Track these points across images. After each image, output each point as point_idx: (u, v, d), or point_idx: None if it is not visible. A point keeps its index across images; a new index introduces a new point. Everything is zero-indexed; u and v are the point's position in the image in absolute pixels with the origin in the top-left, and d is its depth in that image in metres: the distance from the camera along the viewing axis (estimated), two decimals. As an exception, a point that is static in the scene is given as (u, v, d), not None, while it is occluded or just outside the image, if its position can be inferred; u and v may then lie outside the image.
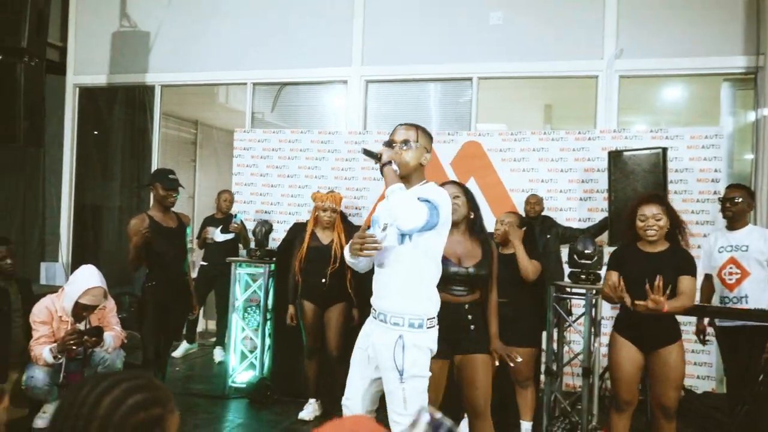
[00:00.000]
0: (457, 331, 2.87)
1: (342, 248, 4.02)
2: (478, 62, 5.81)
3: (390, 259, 2.47)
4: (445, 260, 2.63)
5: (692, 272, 3.05)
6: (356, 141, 5.84)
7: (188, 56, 6.68)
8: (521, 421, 3.82)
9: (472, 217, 3.02)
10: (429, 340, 2.46)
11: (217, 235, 5.73)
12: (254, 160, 6.10)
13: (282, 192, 5.99)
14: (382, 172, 2.43)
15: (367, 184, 5.78)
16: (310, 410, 4.25)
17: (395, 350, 2.40)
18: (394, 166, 2.41)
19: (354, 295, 4.17)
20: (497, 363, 2.98)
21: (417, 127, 2.55)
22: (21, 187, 6.85)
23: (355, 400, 2.61)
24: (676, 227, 3.08)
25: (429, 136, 2.59)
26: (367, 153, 2.51)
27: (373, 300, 2.58)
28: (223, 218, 5.86)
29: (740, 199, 3.76)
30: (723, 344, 3.87)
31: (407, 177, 2.48)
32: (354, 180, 5.81)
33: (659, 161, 4.47)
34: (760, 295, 3.71)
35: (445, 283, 2.67)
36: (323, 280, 4.09)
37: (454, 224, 2.76)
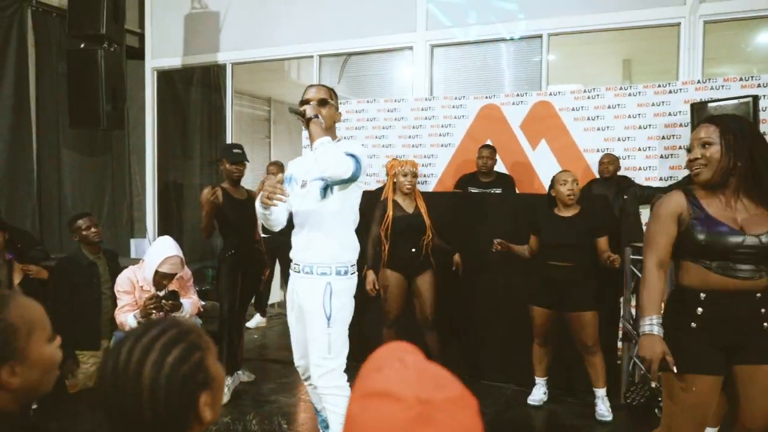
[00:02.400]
0: (745, 333, 2.05)
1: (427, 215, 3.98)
2: (548, 17, 5.53)
3: (313, 213, 2.60)
4: (719, 224, 2.01)
5: None
6: (423, 108, 5.75)
7: (256, 33, 6.79)
8: (594, 389, 3.69)
9: (736, 167, 2.03)
10: (353, 286, 2.67)
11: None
12: (323, 132, 6.14)
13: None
14: (307, 128, 2.55)
15: (435, 151, 5.69)
16: None
17: (324, 297, 2.54)
18: (321, 119, 2.56)
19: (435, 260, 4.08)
20: None
21: (328, 88, 2.75)
22: (109, 169, 7.26)
23: (306, 359, 2.72)
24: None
25: (335, 93, 2.80)
26: (293, 111, 2.61)
27: (295, 254, 2.69)
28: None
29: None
30: None
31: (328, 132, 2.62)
32: (422, 147, 5.74)
33: (749, 111, 4.11)
34: None
35: (722, 260, 2.01)
36: (413, 250, 3.95)
37: (716, 186, 2.05)
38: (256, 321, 6.02)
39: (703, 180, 2.05)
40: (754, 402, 2.04)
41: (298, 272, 2.66)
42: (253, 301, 6.02)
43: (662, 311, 2.11)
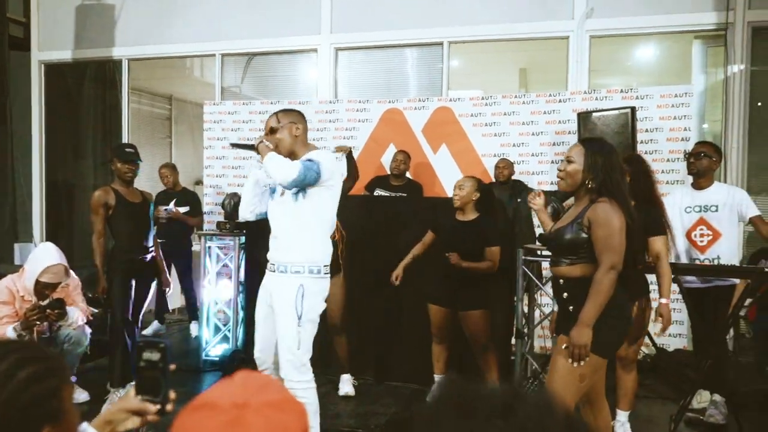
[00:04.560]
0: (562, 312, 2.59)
1: None
2: (448, 26, 5.71)
3: (287, 216, 2.82)
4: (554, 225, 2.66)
5: (659, 232, 3.12)
6: (327, 110, 5.76)
7: (155, 28, 6.53)
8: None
9: (590, 183, 2.46)
10: (325, 287, 2.87)
11: (171, 208, 5.58)
12: (225, 133, 6.01)
13: (254, 164, 5.91)
14: (258, 153, 2.80)
15: (339, 154, 5.70)
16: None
17: (296, 298, 2.75)
18: (266, 142, 2.81)
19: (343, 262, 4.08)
20: None
21: (275, 113, 2.97)
22: (-12, 167, 6.73)
23: (268, 351, 2.92)
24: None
25: (289, 111, 3.02)
26: (237, 146, 3.05)
27: (270, 254, 2.89)
28: (175, 192, 5.75)
29: (705, 155, 3.71)
30: (689, 303, 3.88)
31: (293, 153, 2.86)
32: (326, 150, 5.73)
33: (627, 121, 4.43)
34: (731, 256, 3.69)
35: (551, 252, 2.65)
36: None
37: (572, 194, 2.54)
38: (153, 328, 5.77)
39: (562, 189, 2.54)
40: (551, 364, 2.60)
41: (273, 271, 2.87)
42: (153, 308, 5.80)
43: None
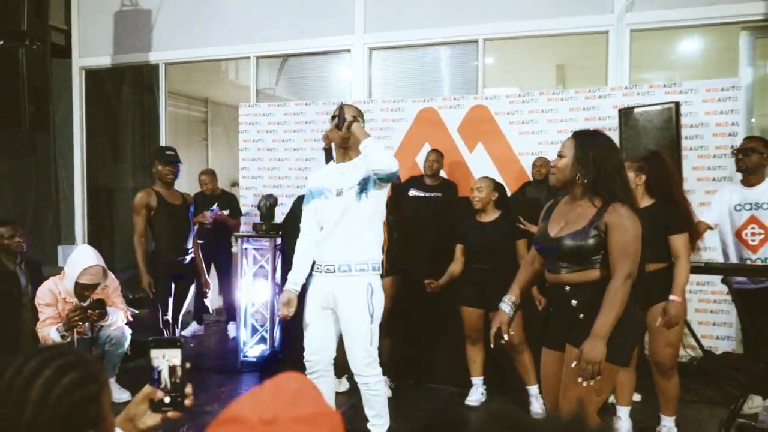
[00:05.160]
0: (566, 320, 2.37)
1: None
2: (483, 23, 5.62)
3: (349, 216, 2.80)
4: (544, 230, 2.40)
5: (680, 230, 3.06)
6: (362, 110, 5.72)
7: (190, 32, 6.61)
8: (527, 387, 3.78)
9: (580, 178, 2.31)
10: (382, 283, 2.95)
11: (215, 211, 5.65)
12: (260, 135, 6.05)
13: (289, 165, 5.94)
14: (348, 131, 2.78)
15: (373, 154, 5.69)
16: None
17: (367, 296, 2.81)
18: (360, 122, 2.82)
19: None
20: None
21: (347, 105, 2.95)
22: (32, 172, 6.91)
23: (321, 354, 2.96)
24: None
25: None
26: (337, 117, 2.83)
27: (328, 256, 2.86)
28: (216, 196, 5.81)
29: (755, 151, 3.56)
30: (739, 305, 3.74)
31: (351, 147, 2.85)
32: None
33: (672, 116, 4.28)
34: None
35: (548, 259, 2.40)
36: None
37: (567, 191, 2.39)
38: (192, 329, 5.84)
39: (553, 184, 2.46)
40: (563, 378, 2.33)
41: (332, 272, 2.85)
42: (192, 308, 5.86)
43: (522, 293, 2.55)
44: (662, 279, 3.03)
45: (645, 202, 3.09)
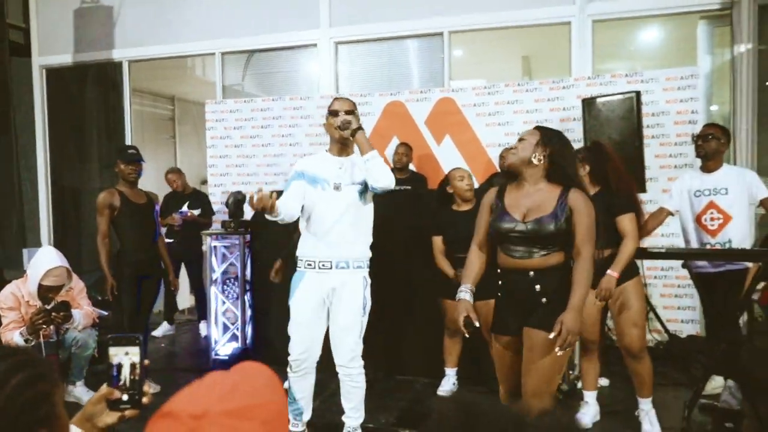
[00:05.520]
0: (526, 304, 2.43)
1: None
2: (448, 16, 5.65)
3: (350, 214, 2.85)
4: (504, 215, 2.45)
5: (628, 209, 3.14)
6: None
7: (153, 29, 6.51)
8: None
9: (543, 160, 2.43)
10: None
11: (183, 213, 5.61)
12: (227, 132, 5.99)
13: (257, 162, 5.90)
14: (353, 136, 2.80)
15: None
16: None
17: (363, 290, 2.91)
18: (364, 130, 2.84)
19: None
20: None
21: (351, 100, 2.94)
22: (-6, 174, 6.75)
23: (312, 351, 2.98)
24: None
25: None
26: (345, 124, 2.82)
27: (325, 253, 2.86)
28: (187, 195, 5.76)
29: (713, 137, 3.64)
30: (700, 289, 3.83)
31: (349, 146, 2.92)
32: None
33: (633, 106, 4.33)
34: (743, 239, 3.62)
35: (506, 243, 2.44)
36: None
37: (519, 174, 2.46)
38: (163, 329, 5.78)
39: (509, 165, 2.52)
40: (526, 361, 2.40)
41: (329, 269, 2.87)
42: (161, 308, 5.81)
43: (476, 282, 2.58)
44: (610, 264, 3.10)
45: (591, 190, 3.13)
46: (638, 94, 4.34)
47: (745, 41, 4.96)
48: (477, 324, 2.41)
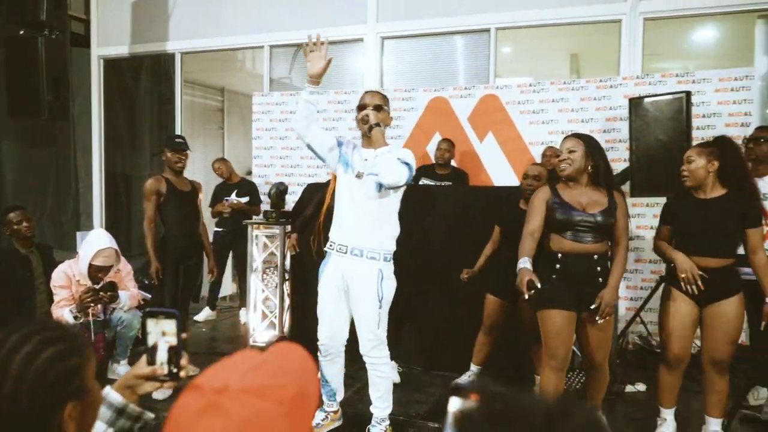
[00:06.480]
0: (585, 283, 2.84)
1: None
2: (496, 12, 5.60)
3: (368, 203, 2.90)
4: (570, 208, 2.84)
5: (758, 223, 2.88)
6: (373, 100, 5.75)
7: (206, 22, 6.68)
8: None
9: (591, 168, 2.88)
10: (393, 270, 3.02)
11: (233, 199, 5.76)
12: (273, 124, 6.11)
13: (301, 155, 5.99)
14: (368, 133, 2.89)
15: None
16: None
17: (377, 282, 2.91)
18: (382, 127, 2.89)
19: None
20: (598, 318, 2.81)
21: (382, 94, 3.03)
22: (53, 160, 7.06)
23: (337, 337, 3.07)
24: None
25: (387, 98, 3.06)
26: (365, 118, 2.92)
27: (342, 236, 2.96)
28: (235, 183, 5.90)
29: (765, 140, 3.52)
30: (746, 296, 3.69)
31: (378, 141, 2.89)
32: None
33: (682, 106, 4.22)
34: None
35: (572, 231, 2.84)
36: None
37: (573, 179, 2.88)
38: (204, 314, 5.95)
39: (567, 174, 2.87)
40: (591, 337, 2.92)
41: (345, 253, 2.94)
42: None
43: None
44: (728, 276, 2.91)
45: (716, 191, 2.93)
46: (688, 94, 4.22)
47: (805, 42, 4.76)
48: (539, 286, 2.68)
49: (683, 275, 2.84)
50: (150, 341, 1.28)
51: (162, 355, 1.28)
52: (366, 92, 3.05)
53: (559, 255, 2.86)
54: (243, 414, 0.72)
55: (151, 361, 1.28)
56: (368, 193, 2.90)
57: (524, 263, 2.83)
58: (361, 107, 2.97)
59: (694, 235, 2.92)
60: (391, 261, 3.00)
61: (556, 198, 2.89)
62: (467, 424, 0.61)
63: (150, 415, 1.32)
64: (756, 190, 3.00)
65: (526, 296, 2.69)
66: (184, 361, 1.30)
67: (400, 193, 2.99)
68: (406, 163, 2.82)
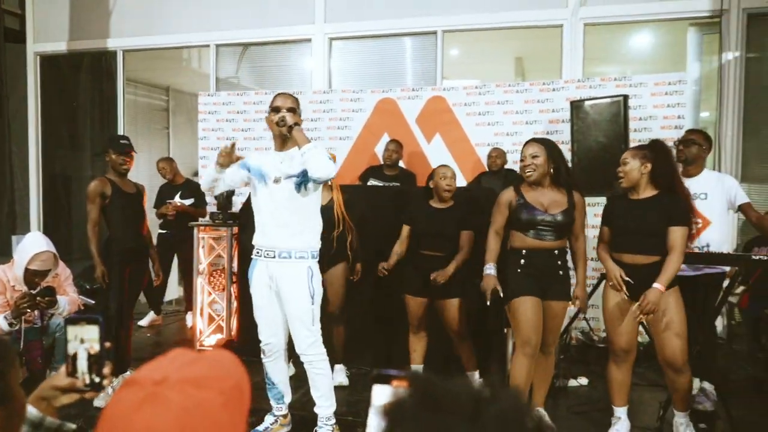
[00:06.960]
0: (548, 276, 3.13)
1: (342, 208, 3.98)
2: (443, 15, 5.69)
3: (290, 206, 2.95)
4: (533, 209, 3.08)
5: (685, 221, 2.97)
6: (321, 100, 5.75)
7: (149, 19, 6.53)
8: (467, 373, 3.82)
9: (553, 170, 3.13)
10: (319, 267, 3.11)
11: (177, 201, 5.64)
12: (219, 124, 6.02)
13: (248, 155, 5.91)
14: (288, 133, 2.92)
15: (333, 144, 5.70)
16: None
17: (308, 279, 2.97)
18: (301, 126, 2.94)
19: (353, 252, 4.07)
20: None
21: (294, 97, 3.07)
22: (-14, 160, 6.76)
23: (278, 337, 3.14)
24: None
25: (296, 98, 3.10)
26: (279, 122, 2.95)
27: (268, 242, 3.01)
28: (179, 185, 5.79)
29: (694, 143, 3.69)
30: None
31: (290, 140, 2.97)
32: (320, 140, 5.74)
33: (620, 109, 4.39)
34: (722, 244, 3.65)
35: (534, 230, 3.10)
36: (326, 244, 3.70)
37: (537, 182, 3.12)
38: (149, 318, 5.81)
39: (533, 180, 3.11)
40: (546, 325, 3.15)
41: (273, 257, 2.99)
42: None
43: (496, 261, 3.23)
44: (657, 272, 2.93)
45: (648, 192, 3.05)
46: (626, 97, 4.40)
47: (733, 49, 5.02)
48: (501, 294, 3.03)
49: (610, 282, 3.06)
50: (70, 350, 1.21)
51: (82, 364, 1.22)
52: (278, 95, 3.06)
53: (524, 251, 3.13)
54: (184, 403, 0.73)
55: (72, 371, 1.22)
56: (289, 196, 2.94)
57: (490, 269, 3.16)
58: (275, 109, 2.98)
59: (626, 234, 3.06)
60: (317, 258, 3.06)
61: (521, 199, 3.14)
62: (399, 411, 0.62)
63: (71, 426, 1.26)
64: (685, 192, 3.14)
65: (488, 303, 3.04)
66: (106, 370, 1.23)
67: (319, 190, 3.06)
68: (330, 159, 2.91)
